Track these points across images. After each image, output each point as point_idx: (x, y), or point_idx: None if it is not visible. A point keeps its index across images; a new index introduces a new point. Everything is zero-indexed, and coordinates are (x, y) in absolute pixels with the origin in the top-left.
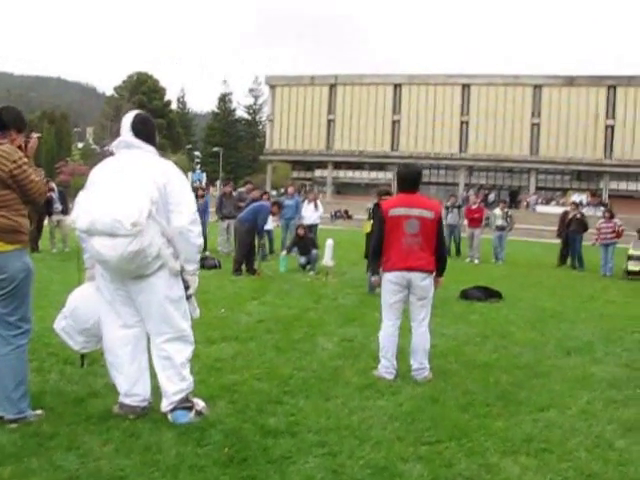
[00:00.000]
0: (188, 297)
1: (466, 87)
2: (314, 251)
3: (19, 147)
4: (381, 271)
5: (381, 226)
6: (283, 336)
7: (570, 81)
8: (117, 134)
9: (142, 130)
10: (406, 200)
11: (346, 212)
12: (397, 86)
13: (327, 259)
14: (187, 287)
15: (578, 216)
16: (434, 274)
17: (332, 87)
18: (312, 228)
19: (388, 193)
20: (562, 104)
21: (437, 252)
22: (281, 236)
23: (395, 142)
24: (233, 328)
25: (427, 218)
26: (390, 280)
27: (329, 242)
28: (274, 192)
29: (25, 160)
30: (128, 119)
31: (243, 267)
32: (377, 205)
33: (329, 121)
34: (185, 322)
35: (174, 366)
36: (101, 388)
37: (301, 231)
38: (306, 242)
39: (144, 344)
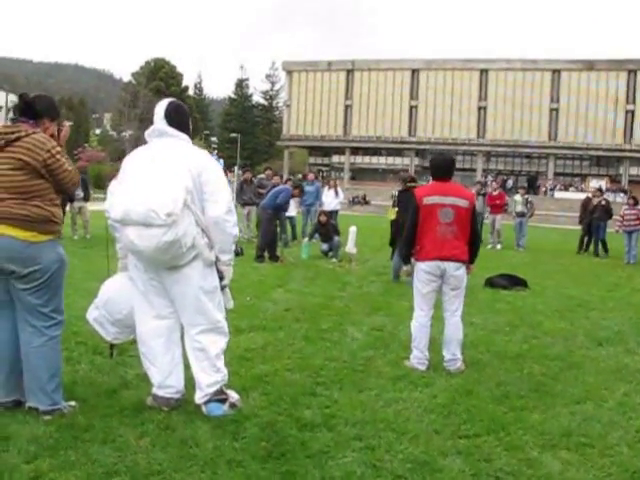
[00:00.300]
0: (222, 288)
1: (484, 72)
2: (336, 238)
3: (51, 136)
4: (413, 260)
5: (414, 214)
6: (311, 325)
7: (589, 65)
8: (135, 120)
9: (176, 118)
10: (440, 188)
11: (364, 198)
12: (414, 71)
13: (350, 246)
14: (221, 277)
15: (603, 203)
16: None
17: (349, 72)
18: (332, 214)
19: (413, 180)
20: (581, 89)
21: (470, 241)
22: (301, 222)
23: (412, 128)
24: (260, 317)
25: (461, 207)
26: (424, 270)
27: (352, 229)
28: (292, 177)
29: (59, 149)
30: (161, 107)
31: (265, 254)
32: (402, 192)
33: (346, 106)
34: (219, 313)
35: (208, 357)
36: (132, 379)
37: (323, 218)
38: (328, 229)
39: (178, 335)
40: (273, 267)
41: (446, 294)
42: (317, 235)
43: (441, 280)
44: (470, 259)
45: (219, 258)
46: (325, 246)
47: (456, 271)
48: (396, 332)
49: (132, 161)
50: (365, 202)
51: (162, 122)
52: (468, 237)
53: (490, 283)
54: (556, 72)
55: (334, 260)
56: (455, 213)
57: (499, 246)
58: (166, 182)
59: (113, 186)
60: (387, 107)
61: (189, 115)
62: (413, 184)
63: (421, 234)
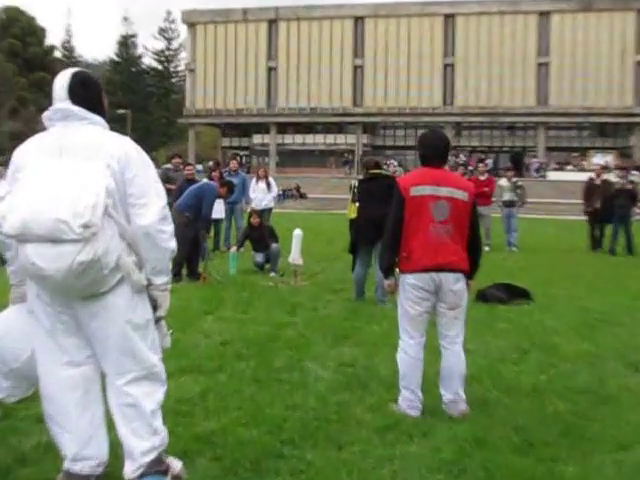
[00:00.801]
0: (157, 320)
1: (449, 18)
2: (274, 245)
3: None
4: (397, 272)
5: (399, 210)
6: (260, 363)
7: (587, 5)
8: None
9: (84, 95)
10: (432, 176)
11: (298, 189)
12: (358, 20)
13: (295, 255)
14: (155, 307)
15: (628, 186)
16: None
17: (272, 24)
18: (264, 214)
19: (377, 165)
20: (577, 36)
21: (470, 245)
22: (224, 225)
23: (358, 95)
24: (191, 355)
25: (460, 200)
26: (413, 284)
27: (297, 232)
28: (199, 167)
29: None
30: (63, 81)
31: (183, 270)
32: (364, 182)
33: (270, 69)
34: (154, 354)
35: (142, 415)
36: (31, 451)
37: (255, 220)
38: (262, 234)
39: (98, 387)
40: (195, 287)
41: (443, 315)
42: (246, 242)
43: (435, 297)
44: (471, 271)
45: (152, 281)
46: (260, 257)
47: (455, 284)
48: (372, 366)
49: (28, 154)
50: (300, 195)
51: (65, 101)
52: (467, 240)
53: (483, 296)
54: (544, 15)
55: (273, 275)
56: (452, 208)
57: (487, 248)
58: (79, 182)
59: (2, 189)
60: (324, 69)
61: (102, 89)
62: (377, 171)
63: (408, 236)
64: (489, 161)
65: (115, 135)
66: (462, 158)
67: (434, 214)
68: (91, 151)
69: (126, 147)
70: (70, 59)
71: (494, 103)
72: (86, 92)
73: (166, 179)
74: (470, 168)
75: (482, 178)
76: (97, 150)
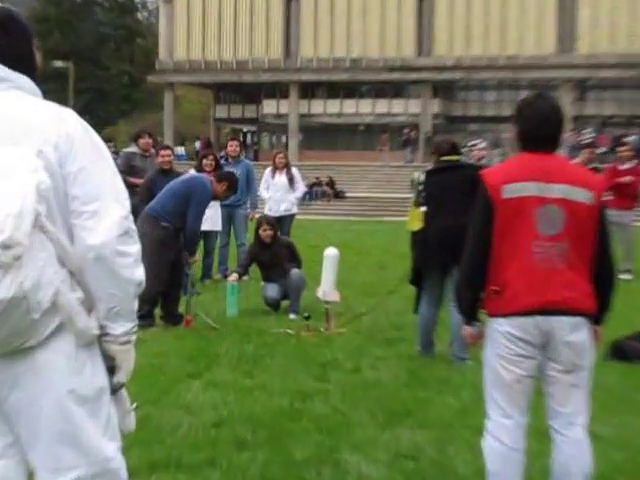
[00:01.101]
0: (114, 390)
1: None
2: (295, 272)
3: None
4: (483, 313)
5: (485, 220)
6: (273, 455)
7: None
8: None
9: (5, 44)
10: (537, 167)
11: (331, 185)
12: None
13: (327, 287)
14: (112, 369)
15: None
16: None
17: None
18: (283, 223)
19: (455, 148)
20: None
21: (598, 274)
22: (219, 242)
23: (424, 39)
24: (166, 442)
25: (581, 203)
26: (507, 334)
27: (330, 253)
28: (181, 150)
29: None
30: None
31: (157, 311)
32: (434, 173)
33: (288, 2)
34: (110, 441)
35: None
36: None
37: (267, 232)
38: (277, 254)
39: None
40: (174, 337)
41: (555, 382)
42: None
43: (543, 354)
44: (599, 313)
45: (107, 330)
46: (273, 290)
47: (573, 334)
48: (446, 460)
49: None
50: (335, 194)
51: None
52: (592, 265)
53: (619, 352)
54: None
55: (294, 317)
56: (568, 216)
57: (627, 275)
58: None
59: None
60: (371, 1)
61: (32, 36)
62: (455, 157)
63: (501, 260)
64: (633, 139)
65: (51, 105)
66: (588, 135)
67: (540, 226)
68: (13, 131)
69: (68, 125)
70: None
71: (635, 49)
72: (7, 40)
73: (129, 170)
74: (601, 150)
75: (623, 167)
76: (23, 129)
